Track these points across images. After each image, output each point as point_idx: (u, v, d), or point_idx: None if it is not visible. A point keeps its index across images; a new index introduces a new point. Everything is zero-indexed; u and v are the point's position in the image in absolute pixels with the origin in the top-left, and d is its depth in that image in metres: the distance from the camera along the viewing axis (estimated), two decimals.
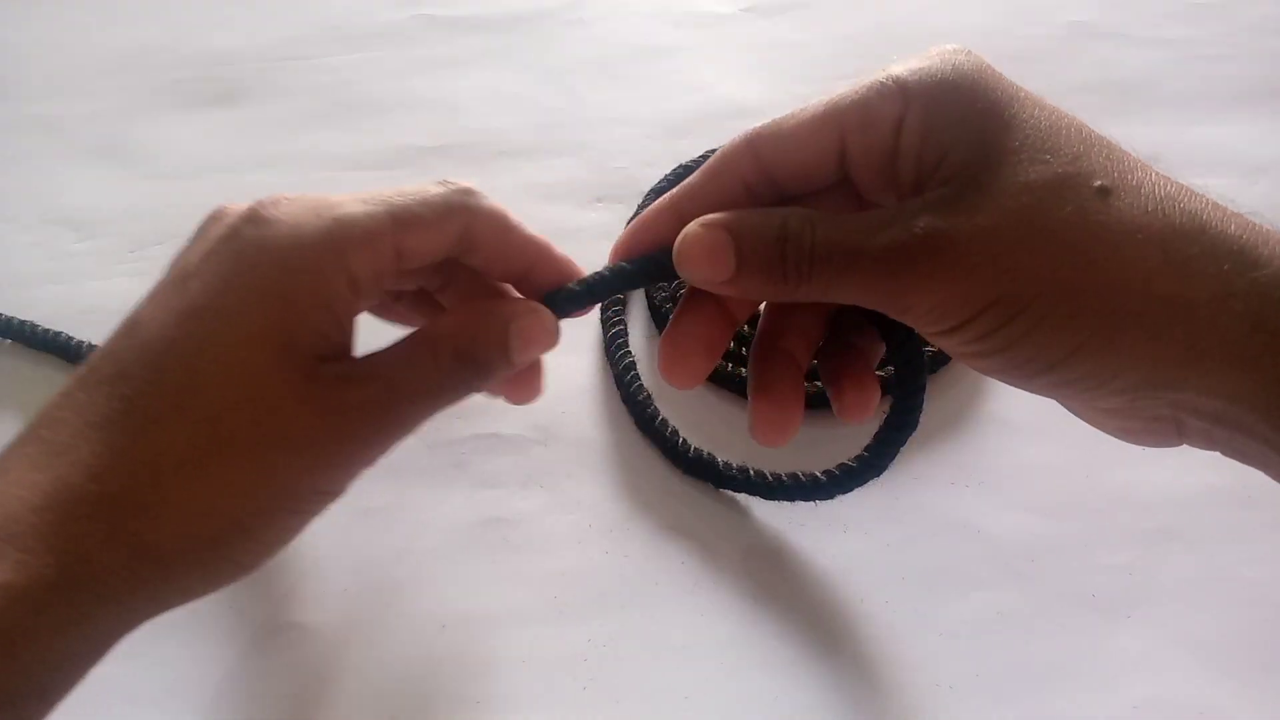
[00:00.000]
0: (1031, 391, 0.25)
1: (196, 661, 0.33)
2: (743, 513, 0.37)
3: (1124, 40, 0.56)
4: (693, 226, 0.26)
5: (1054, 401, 0.26)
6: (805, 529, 0.36)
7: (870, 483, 0.33)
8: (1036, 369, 0.24)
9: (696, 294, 0.28)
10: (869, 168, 0.26)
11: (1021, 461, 0.38)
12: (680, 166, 0.47)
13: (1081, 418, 0.27)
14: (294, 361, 0.25)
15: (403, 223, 0.27)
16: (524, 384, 0.30)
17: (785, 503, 0.36)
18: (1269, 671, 0.33)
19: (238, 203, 0.27)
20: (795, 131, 0.26)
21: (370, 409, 0.26)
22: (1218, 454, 0.25)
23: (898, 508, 0.37)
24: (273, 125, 0.52)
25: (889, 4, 0.59)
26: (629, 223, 0.28)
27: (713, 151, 0.43)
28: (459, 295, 0.31)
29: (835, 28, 0.57)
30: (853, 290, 0.24)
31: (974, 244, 0.23)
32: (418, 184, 0.28)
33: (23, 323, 0.42)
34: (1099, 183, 0.24)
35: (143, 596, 0.25)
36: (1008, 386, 0.25)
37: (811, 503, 0.36)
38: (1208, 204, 0.24)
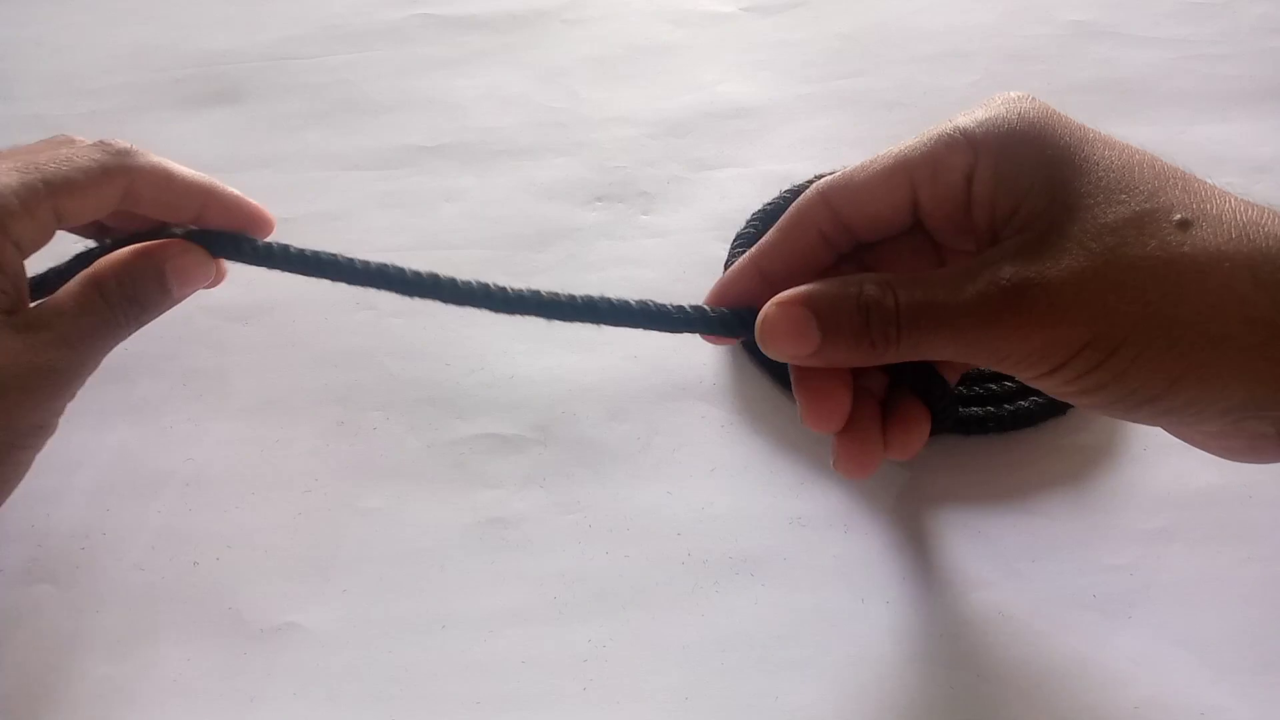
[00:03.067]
0: (1137, 421, 0.25)
1: (194, 662, 0.33)
2: (744, 512, 0.37)
3: (1125, 39, 0.56)
4: (769, 307, 0.27)
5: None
6: (806, 529, 0.36)
7: (868, 484, 0.33)
8: (1138, 401, 0.24)
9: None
10: (943, 217, 0.27)
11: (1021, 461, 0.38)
12: (779, 196, 0.45)
13: (1184, 440, 0.27)
14: None
15: (57, 189, 0.30)
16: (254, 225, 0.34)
17: (797, 499, 0.36)
18: (1270, 672, 0.33)
19: None
20: (867, 183, 0.27)
21: (63, 348, 0.30)
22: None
23: (898, 508, 0.37)
24: (271, 124, 0.52)
25: (889, 3, 0.59)
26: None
27: (791, 192, 0.44)
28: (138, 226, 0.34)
29: (835, 27, 0.57)
30: (945, 346, 0.25)
31: (1063, 289, 0.23)
32: (75, 148, 0.31)
33: None
34: (1178, 216, 0.24)
35: None
36: None
37: (812, 502, 0.36)
38: None
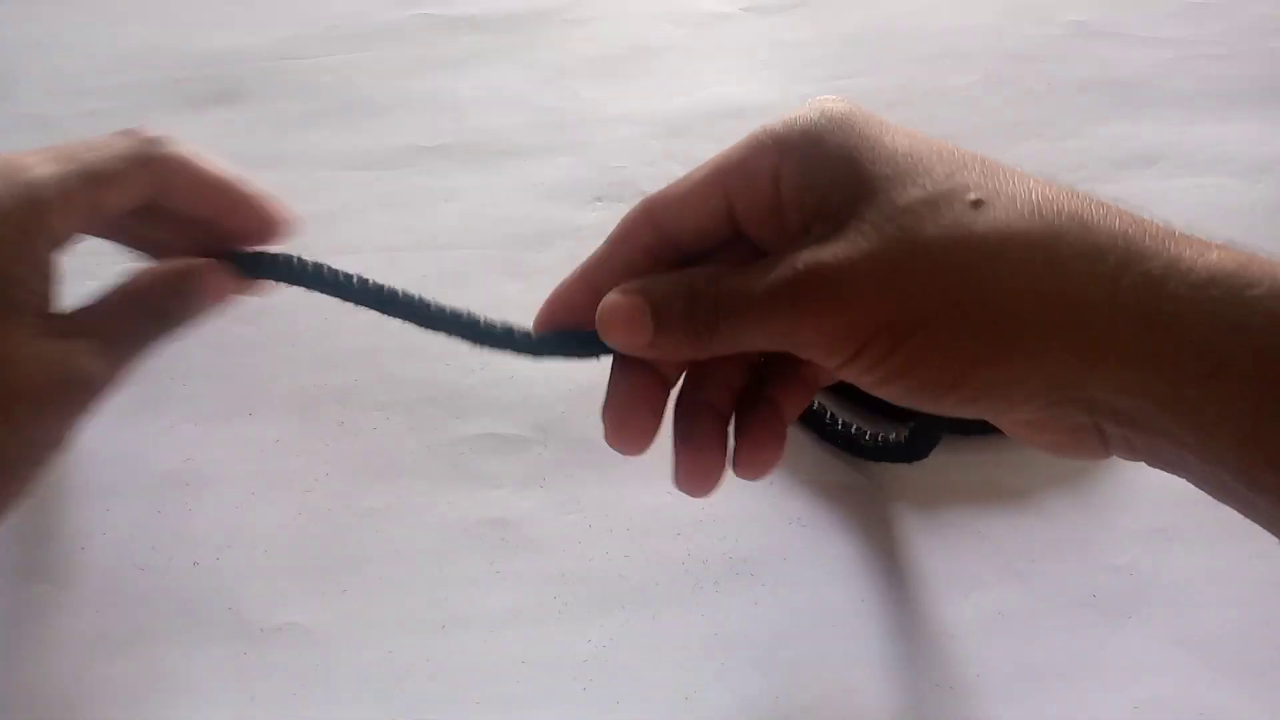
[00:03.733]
0: (945, 412, 0.25)
1: (194, 662, 0.33)
2: (744, 513, 0.37)
3: (1125, 40, 0.56)
4: (611, 295, 0.26)
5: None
6: (806, 529, 0.36)
7: (869, 485, 0.33)
8: (939, 389, 0.24)
9: (624, 362, 0.28)
10: (758, 221, 0.27)
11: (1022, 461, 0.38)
12: None
13: (1010, 435, 0.27)
14: (13, 321, 0.27)
15: (93, 180, 0.29)
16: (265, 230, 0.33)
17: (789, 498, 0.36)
18: (1271, 672, 0.33)
19: None
20: (685, 196, 0.27)
21: (92, 358, 0.28)
22: None
23: (898, 508, 0.37)
24: (272, 124, 0.52)
25: (890, 3, 0.59)
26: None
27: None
28: (166, 231, 0.33)
29: (836, 27, 0.57)
30: (751, 334, 0.25)
31: (853, 273, 0.23)
32: (105, 137, 0.30)
33: None
34: (972, 196, 0.24)
35: None
36: None
37: (812, 502, 0.36)
38: (1091, 203, 0.24)
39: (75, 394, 0.28)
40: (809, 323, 0.24)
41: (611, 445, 0.28)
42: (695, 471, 0.28)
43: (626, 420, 0.28)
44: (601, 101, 0.53)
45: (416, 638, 0.34)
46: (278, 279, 0.32)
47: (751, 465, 0.28)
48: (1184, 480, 0.24)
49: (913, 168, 0.24)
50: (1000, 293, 0.23)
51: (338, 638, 0.34)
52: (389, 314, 0.31)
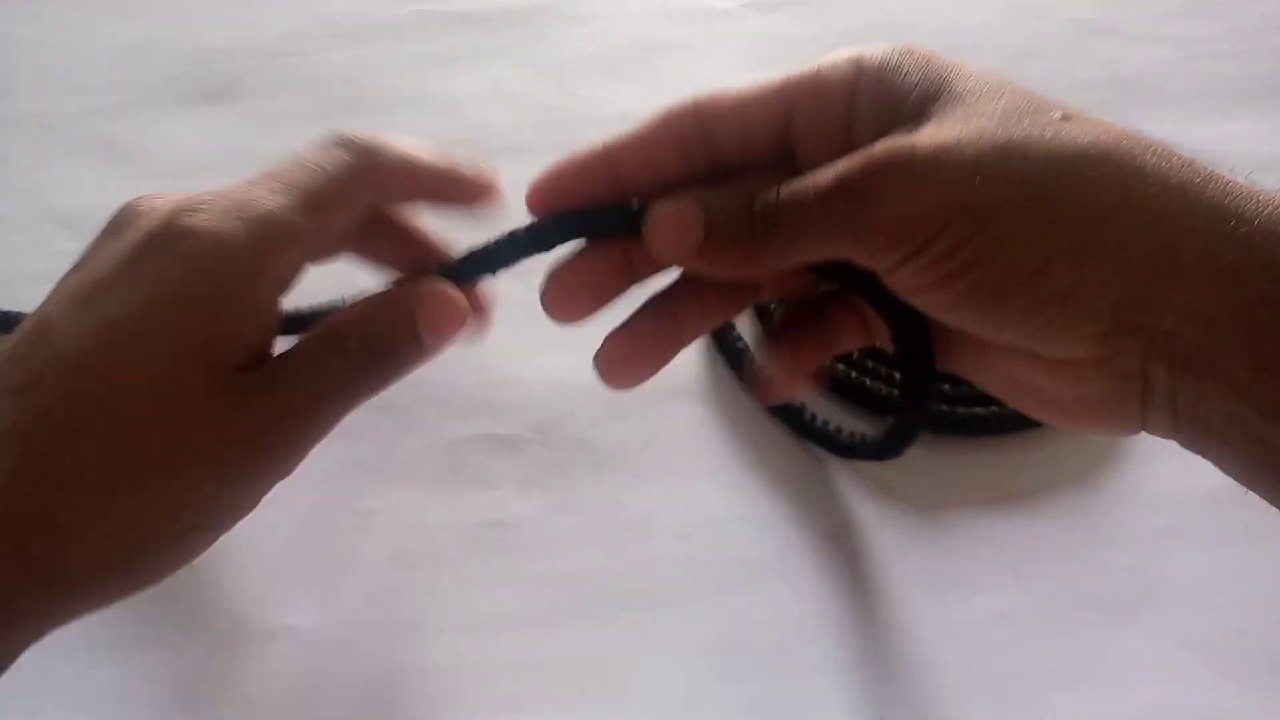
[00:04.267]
0: (998, 338, 0.24)
1: (190, 665, 0.33)
2: (744, 514, 0.37)
3: (1128, 38, 0.56)
4: (664, 204, 0.25)
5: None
6: (806, 530, 0.36)
7: (870, 486, 0.32)
8: (1008, 288, 0.22)
9: (599, 242, 0.27)
10: (820, 139, 0.25)
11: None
12: None
13: (1036, 398, 0.25)
14: (214, 376, 0.24)
15: (320, 208, 0.26)
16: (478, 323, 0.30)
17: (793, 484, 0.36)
18: (1276, 674, 0.32)
19: (154, 198, 0.26)
20: (741, 98, 0.26)
21: (284, 417, 0.25)
22: None
23: (900, 509, 0.36)
24: (269, 122, 0.52)
25: (891, 0, 0.58)
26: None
27: None
28: (380, 238, 0.30)
29: (836, 23, 0.57)
30: (811, 233, 0.24)
31: (935, 153, 0.23)
32: (316, 151, 0.27)
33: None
34: (1059, 113, 0.24)
35: (55, 615, 0.24)
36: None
37: (812, 504, 0.36)
38: (1164, 144, 0.24)
39: (257, 461, 0.25)
40: (884, 199, 0.22)
41: (544, 302, 0.27)
42: (621, 354, 0.27)
43: (574, 286, 0.27)
44: (601, 99, 0.53)
45: (415, 640, 0.33)
46: (485, 272, 0.28)
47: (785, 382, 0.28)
48: (1190, 481, 0.24)
49: (998, 87, 0.24)
50: (1086, 193, 0.22)
51: (335, 640, 0.33)
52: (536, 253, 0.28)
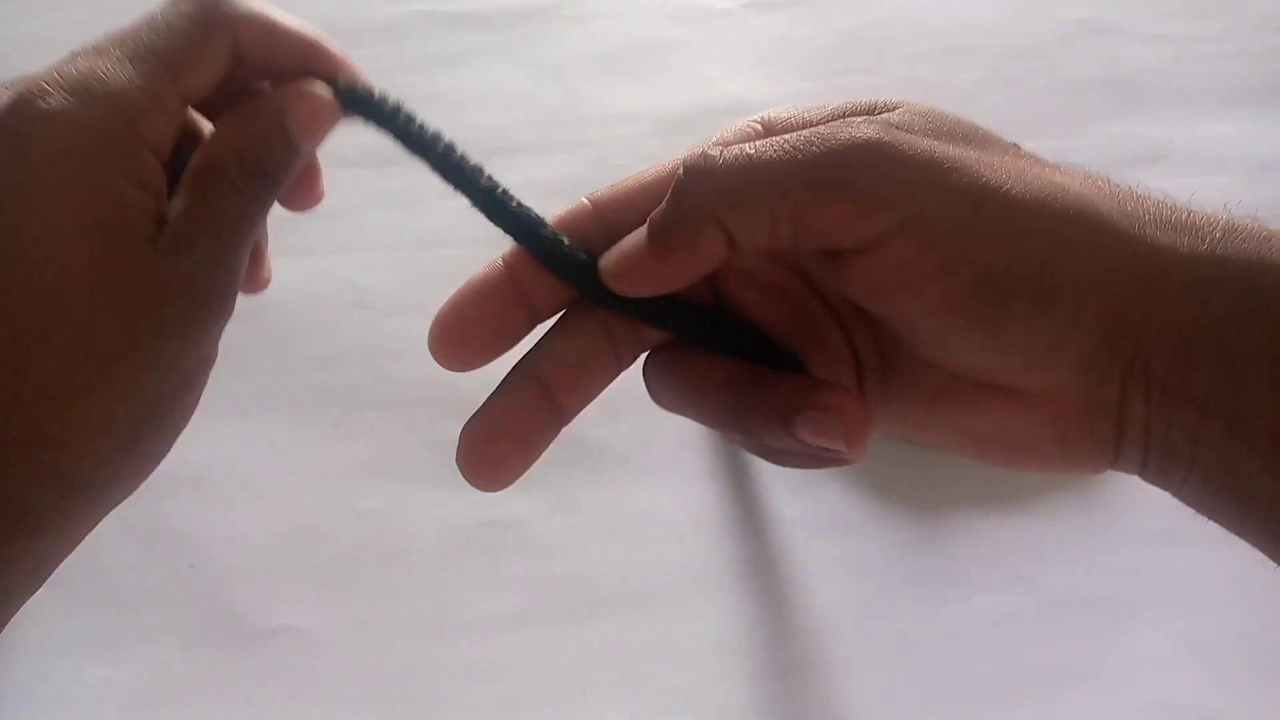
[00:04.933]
0: (983, 349, 0.23)
1: (191, 664, 0.33)
2: (744, 514, 0.37)
3: (1127, 37, 0.56)
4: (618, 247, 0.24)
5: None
6: (806, 530, 0.36)
7: (871, 486, 0.32)
8: (1016, 282, 0.21)
9: (521, 376, 0.25)
10: None
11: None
12: None
13: (1000, 444, 0.25)
14: (133, 252, 0.24)
15: (177, 68, 0.25)
16: (304, 189, 0.30)
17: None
18: (1275, 674, 0.32)
19: None
20: (639, 185, 0.25)
21: (212, 268, 0.25)
22: None
23: (900, 510, 0.36)
24: None
25: (892, 0, 0.58)
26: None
27: None
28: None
29: (837, 23, 0.57)
30: (778, 177, 0.22)
31: (925, 129, 0.22)
32: (165, 13, 0.26)
33: None
34: (1013, 143, 0.23)
35: (76, 519, 0.25)
36: None
37: (812, 504, 0.36)
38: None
39: (203, 313, 0.25)
40: (874, 167, 0.21)
41: (467, 470, 0.26)
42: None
43: (499, 448, 0.25)
44: (601, 99, 0.53)
45: (414, 641, 0.33)
46: (373, 120, 0.28)
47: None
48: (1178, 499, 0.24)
49: (937, 110, 0.24)
50: (1075, 205, 0.22)
51: (334, 640, 0.33)
52: (460, 191, 0.27)
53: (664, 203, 0.23)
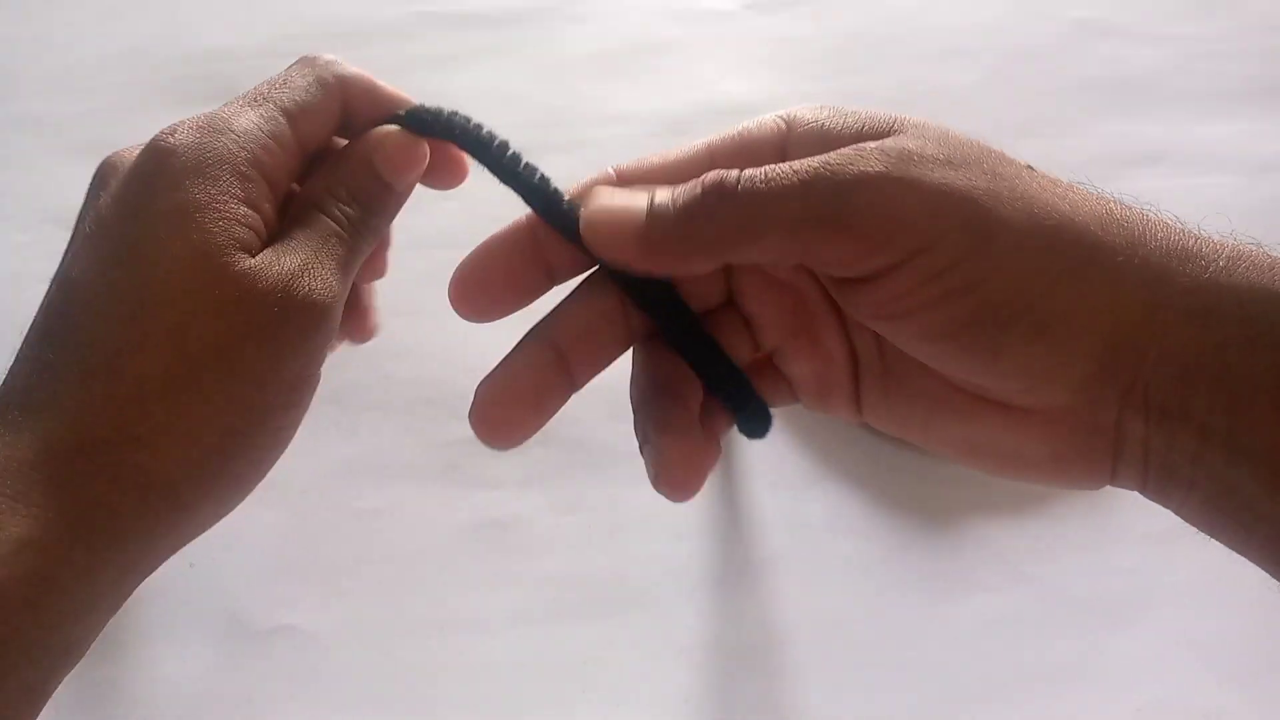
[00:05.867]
0: (981, 374, 0.23)
1: (191, 664, 0.33)
2: (744, 514, 0.37)
3: (1129, 38, 0.56)
4: (603, 191, 0.25)
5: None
6: (807, 530, 0.36)
7: (871, 487, 0.32)
8: (1013, 312, 0.22)
9: (536, 340, 0.26)
10: None
11: None
12: None
13: (994, 456, 0.25)
14: (228, 264, 0.25)
15: (294, 115, 0.28)
16: (359, 321, 0.32)
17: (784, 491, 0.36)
18: (1274, 674, 0.32)
19: (125, 149, 0.28)
20: (665, 163, 0.26)
21: (318, 280, 0.27)
22: None
23: (900, 510, 0.36)
24: None
25: (891, 1, 0.58)
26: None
27: None
28: None
29: (837, 24, 0.57)
30: (774, 219, 0.22)
31: (935, 158, 0.22)
32: (287, 72, 0.29)
33: None
34: (1024, 162, 0.24)
35: (159, 532, 0.25)
36: None
37: (813, 504, 0.36)
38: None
39: (313, 326, 0.26)
40: (872, 205, 0.22)
41: (476, 423, 0.26)
42: (689, 458, 0.25)
43: (512, 402, 0.26)
44: (602, 99, 0.53)
45: (414, 640, 0.33)
46: (447, 137, 0.29)
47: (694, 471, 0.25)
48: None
49: (949, 130, 0.24)
50: (1078, 229, 0.22)
51: (335, 640, 0.33)
52: (521, 195, 0.28)
53: (675, 205, 0.24)
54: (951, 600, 0.34)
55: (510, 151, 0.28)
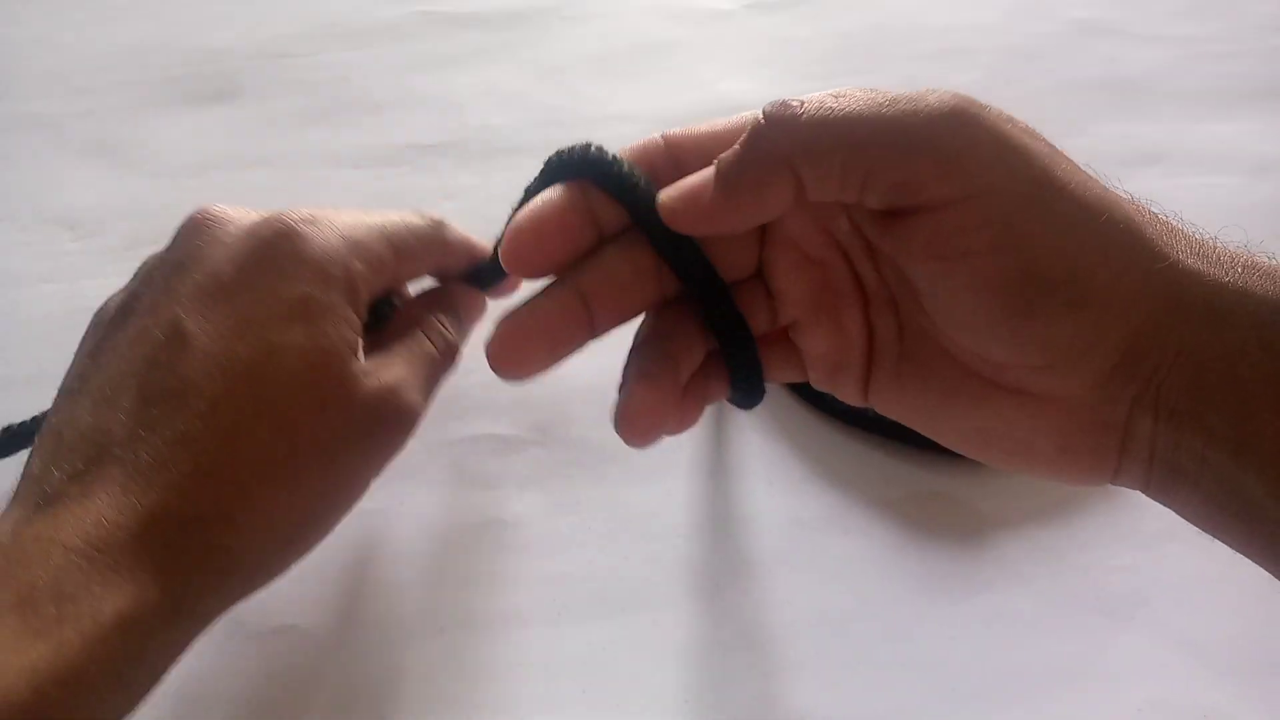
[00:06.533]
0: (1012, 339, 0.23)
1: (190, 664, 0.33)
2: (743, 513, 0.37)
3: (1128, 38, 0.56)
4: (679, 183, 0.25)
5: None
6: (806, 529, 0.36)
7: (871, 487, 0.32)
8: (1057, 279, 0.22)
9: (563, 284, 0.26)
10: None
11: None
12: None
13: (1001, 446, 0.25)
14: (344, 365, 0.27)
15: (400, 253, 0.30)
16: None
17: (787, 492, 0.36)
18: (1273, 673, 0.32)
19: (231, 208, 0.29)
20: (713, 131, 0.26)
21: (408, 397, 0.29)
22: None
23: (898, 509, 0.36)
24: (270, 122, 0.52)
25: (891, 1, 0.58)
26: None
27: None
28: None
29: (836, 24, 0.57)
30: (858, 129, 0.22)
31: (1002, 120, 0.23)
32: (401, 213, 0.31)
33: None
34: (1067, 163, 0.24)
35: (221, 605, 0.26)
36: None
37: (812, 502, 0.36)
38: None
39: (391, 432, 0.28)
40: (956, 125, 0.22)
41: (491, 354, 0.26)
42: (649, 408, 0.26)
43: (528, 335, 0.26)
44: (601, 99, 0.53)
45: (414, 640, 0.33)
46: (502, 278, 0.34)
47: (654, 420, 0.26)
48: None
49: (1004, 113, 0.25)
50: (1120, 219, 0.23)
51: (335, 640, 0.33)
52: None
53: (737, 145, 0.24)
54: (952, 600, 0.34)
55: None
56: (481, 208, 0.48)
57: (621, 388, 0.26)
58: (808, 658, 0.33)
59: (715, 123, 0.26)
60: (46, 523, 0.23)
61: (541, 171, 0.27)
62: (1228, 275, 0.22)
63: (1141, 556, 0.35)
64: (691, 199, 0.24)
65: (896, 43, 0.55)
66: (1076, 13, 0.57)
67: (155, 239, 0.46)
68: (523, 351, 0.25)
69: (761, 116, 0.24)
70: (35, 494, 0.24)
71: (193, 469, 0.24)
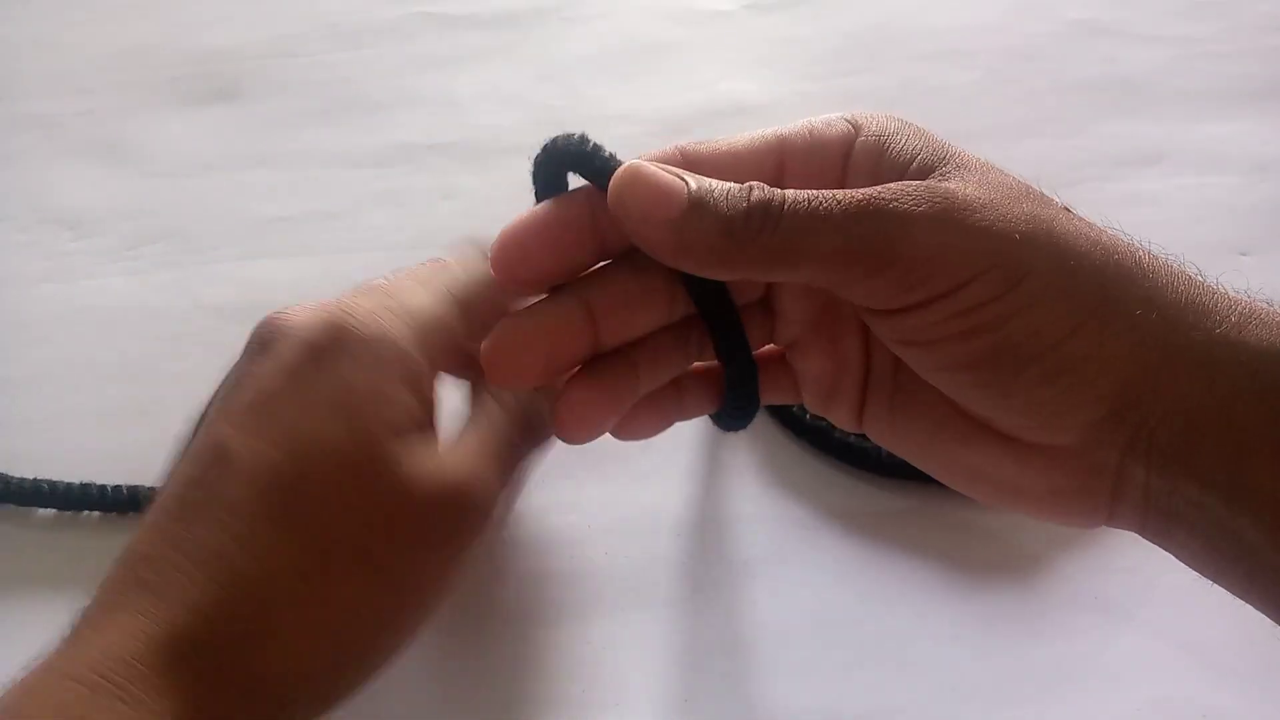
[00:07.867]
0: (990, 408, 0.23)
1: None
2: (744, 513, 0.37)
3: (1127, 38, 0.56)
4: (646, 164, 0.24)
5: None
6: (806, 530, 0.36)
7: (871, 487, 0.32)
8: (1032, 354, 0.22)
9: (569, 294, 0.25)
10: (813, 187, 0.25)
11: None
12: None
13: (993, 486, 0.25)
14: (385, 456, 0.25)
15: (463, 304, 0.28)
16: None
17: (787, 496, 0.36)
18: (1272, 673, 0.32)
19: (292, 311, 0.26)
20: (733, 148, 0.25)
21: (465, 480, 0.26)
22: None
23: (898, 509, 0.36)
24: (270, 123, 0.52)
25: (891, 1, 0.58)
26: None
27: None
28: None
29: (837, 24, 0.57)
30: (818, 243, 0.22)
31: (979, 202, 0.22)
32: (457, 254, 0.29)
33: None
34: (1061, 203, 0.24)
35: None
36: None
37: (812, 502, 0.36)
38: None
39: (449, 541, 0.26)
40: (914, 241, 0.22)
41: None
42: (588, 406, 0.26)
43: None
44: (601, 99, 0.53)
45: (413, 640, 0.33)
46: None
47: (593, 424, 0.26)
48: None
49: (994, 168, 0.24)
50: (1104, 276, 0.23)
51: None
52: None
53: (717, 210, 0.23)
54: (952, 600, 0.34)
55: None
56: (481, 208, 0.48)
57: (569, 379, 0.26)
58: (808, 657, 0.33)
59: (735, 141, 0.26)
60: (62, 654, 0.22)
61: (541, 165, 0.27)
62: (1221, 326, 0.22)
63: (1143, 558, 0.35)
64: (650, 204, 0.24)
65: (896, 43, 0.55)
66: (1076, 13, 0.57)
67: (155, 239, 0.47)
68: (519, 358, 0.25)
69: (746, 205, 0.23)
70: (72, 624, 0.23)
71: (215, 588, 0.23)
